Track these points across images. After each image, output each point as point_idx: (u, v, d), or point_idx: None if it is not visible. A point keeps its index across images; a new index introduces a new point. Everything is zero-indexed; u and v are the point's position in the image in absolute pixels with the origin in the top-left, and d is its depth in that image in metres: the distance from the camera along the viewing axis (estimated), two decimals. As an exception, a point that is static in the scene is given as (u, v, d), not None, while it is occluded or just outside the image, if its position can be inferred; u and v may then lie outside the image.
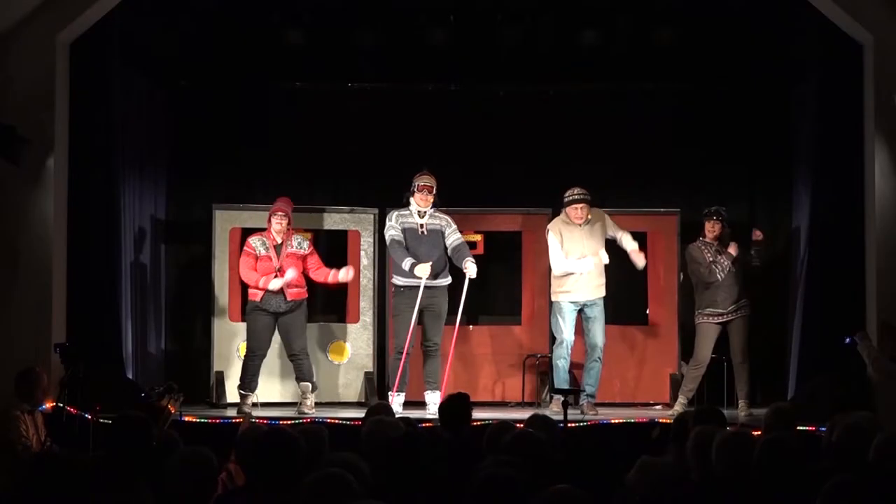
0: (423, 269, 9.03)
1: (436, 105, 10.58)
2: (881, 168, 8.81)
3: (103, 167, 9.12)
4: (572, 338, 9.31)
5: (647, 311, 10.34)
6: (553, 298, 9.42)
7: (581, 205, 9.25)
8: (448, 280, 9.26)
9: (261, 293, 9.16)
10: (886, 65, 8.77)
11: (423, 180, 9.19)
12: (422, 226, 9.24)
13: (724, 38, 9.83)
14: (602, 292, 9.35)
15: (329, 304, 10.40)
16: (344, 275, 9.39)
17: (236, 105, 10.51)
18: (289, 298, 9.16)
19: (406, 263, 9.08)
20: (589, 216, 9.30)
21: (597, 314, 9.31)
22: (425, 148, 10.23)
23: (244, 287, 9.64)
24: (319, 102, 10.54)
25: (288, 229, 9.24)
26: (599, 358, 9.30)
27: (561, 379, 9.22)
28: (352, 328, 10.16)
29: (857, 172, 9.04)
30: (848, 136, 9.12)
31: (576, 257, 9.25)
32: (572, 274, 9.25)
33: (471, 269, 9.09)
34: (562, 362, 9.28)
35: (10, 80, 8.62)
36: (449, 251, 9.23)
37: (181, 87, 10.47)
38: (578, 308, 9.33)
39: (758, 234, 9.40)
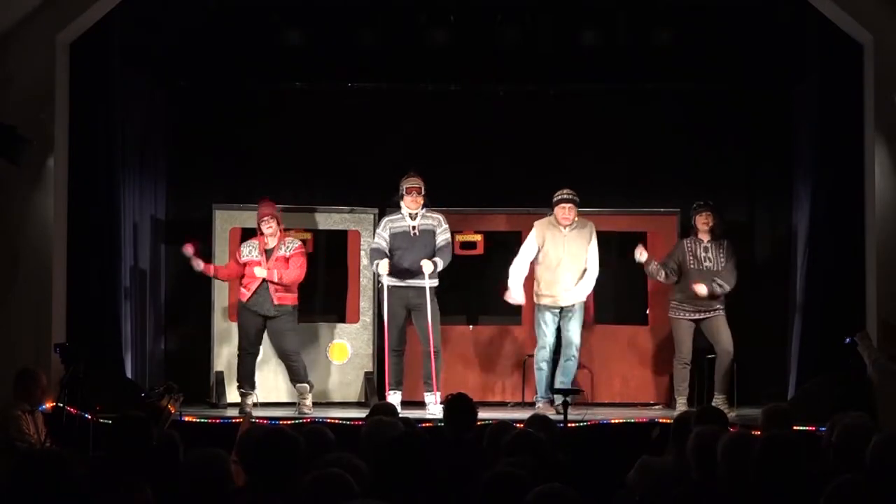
0: (383, 266, 9.12)
1: (436, 105, 10.58)
2: (881, 168, 8.81)
3: (103, 167, 9.13)
4: (553, 342, 9.37)
5: (647, 311, 10.33)
6: (535, 301, 9.45)
7: (568, 205, 9.28)
8: (436, 282, 9.26)
9: (248, 293, 9.19)
10: (886, 65, 8.77)
11: (410, 182, 9.24)
12: (413, 227, 9.26)
13: (724, 38, 9.83)
14: (581, 299, 9.39)
15: (329, 304, 10.40)
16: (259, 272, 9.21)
17: (236, 105, 10.51)
18: (276, 302, 9.16)
19: (374, 265, 9.25)
20: (576, 219, 9.32)
21: (574, 312, 9.36)
22: (425, 148, 10.25)
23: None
24: (319, 102, 10.54)
25: (280, 231, 9.24)
26: (574, 356, 9.35)
27: (544, 385, 9.25)
28: (352, 328, 10.16)
29: (857, 172, 9.04)
30: (848, 135, 9.12)
31: (553, 264, 9.27)
32: (549, 278, 9.30)
33: (425, 265, 9.08)
34: (545, 365, 9.34)
35: (10, 80, 8.62)
36: (435, 251, 9.25)
37: (181, 87, 10.47)
38: (559, 311, 9.38)
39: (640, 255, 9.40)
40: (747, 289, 9.72)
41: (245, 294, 9.22)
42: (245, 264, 9.24)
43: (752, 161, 10.51)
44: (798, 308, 9.60)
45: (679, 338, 9.39)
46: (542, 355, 9.37)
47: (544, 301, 9.39)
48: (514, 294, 9.40)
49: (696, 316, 9.34)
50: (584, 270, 9.38)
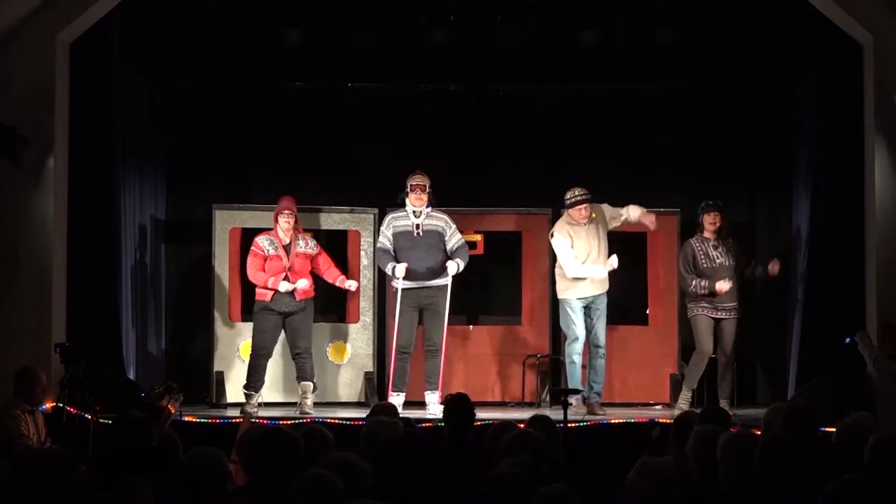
0: (400, 269, 9.09)
1: (436, 105, 10.57)
2: (881, 168, 8.81)
3: (103, 167, 9.13)
4: (584, 333, 9.31)
5: (647, 311, 10.33)
6: (560, 296, 9.40)
7: (584, 205, 9.26)
8: (447, 280, 9.26)
9: (270, 293, 9.15)
10: (886, 65, 8.77)
11: (416, 179, 9.22)
12: (417, 226, 9.25)
13: (724, 38, 9.83)
14: (606, 287, 9.38)
15: (329, 304, 10.40)
16: (349, 284, 9.42)
17: (236, 105, 10.51)
18: (298, 299, 9.17)
19: (388, 268, 9.22)
20: (593, 214, 9.32)
21: (601, 310, 9.34)
22: (425, 148, 10.24)
23: (245, 287, 9.64)
24: (319, 102, 10.54)
25: (296, 228, 9.25)
26: (604, 355, 9.34)
27: (576, 378, 9.20)
28: (352, 328, 10.16)
29: (857, 172, 9.04)
30: (848, 135, 9.12)
31: (583, 259, 9.25)
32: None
33: (450, 266, 9.12)
34: (577, 358, 9.27)
35: (10, 80, 8.62)
36: (450, 254, 9.24)
37: (181, 87, 10.47)
38: (586, 304, 9.33)
39: (774, 269, 9.39)
40: (747, 288, 9.72)
41: (267, 294, 9.18)
42: (268, 258, 9.22)
43: (752, 161, 10.51)
44: (798, 308, 9.60)
45: (699, 333, 9.35)
46: (576, 348, 9.25)
47: (570, 294, 9.30)
48: (594, 271, 9.24)
49: (718, 315, 9.34)
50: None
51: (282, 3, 9.71)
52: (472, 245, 10.05)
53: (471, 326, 10.40)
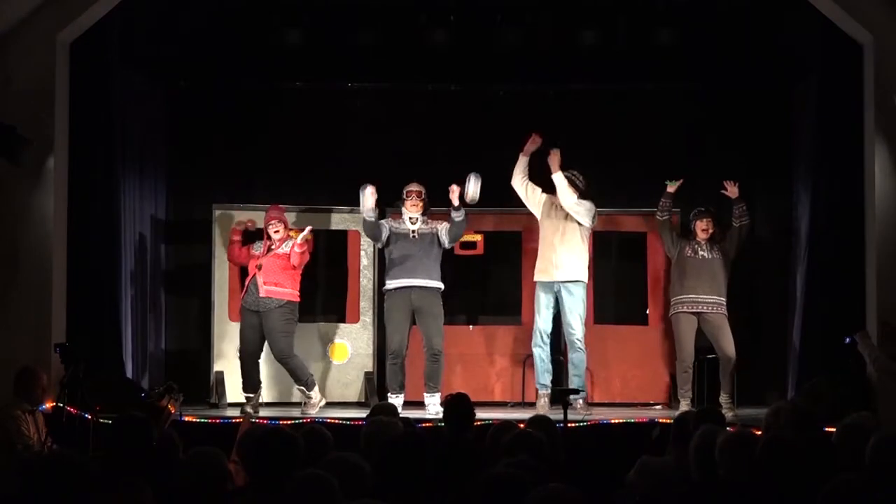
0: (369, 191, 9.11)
1: (436, 105, 10.57)
2: (881, 168, 8.81)
3: (103, 167, 9.13)
4: (547, 327, 9.31)
5: (647, 312, 10.33)
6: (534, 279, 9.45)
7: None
8: (440, 284, 9.26)
9: (244, 293, 9.21)
10: (886, 65, 8.77)
11: (411, 186, 9.27)
12: (413, 232, 9.26)
13: (724, 38, 9.83)
14: (581, 276, 9.31)
15: (329, 304, 10.40)
16: (302, 236, 9.18)
17: (236, 105, 10.50)
18: (261, 294, 9.09)
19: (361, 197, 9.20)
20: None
21: (574, 299, 9.23)
22: (425, 148, 10.25)
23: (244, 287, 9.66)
24: (319, 102, 10.54)
25: (286, 234, 9.23)
26: (579, 347, 9.23)
27: (541, 371, 9.21)
28: (352, 328, 10.16)
29: (857, 172, 9.04)
30: (848, 135, 9.12)
31: (550, 234, 9.28)
32: (545, 251, 9.28)
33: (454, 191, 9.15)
34: (538, 350, 9.28)
35: (10, 80, 8.63)
36: (448, 236, 9.23)
37: (181, 87, 10.47)
38: (555, 291, 9.30)
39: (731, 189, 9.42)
40: (747, 288, 9.72)
41: (244, 295, 9.22)
42: (251, 257, 9.25)
43: (752, 161, 10.50)
44: (798, 308, 9.60)
45: (680, 337, 9.34)
46: (535, 340, 9.31)
47: (539, 277, 9.34)
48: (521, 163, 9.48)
49: (696, 309, 9.31)
50: (579, 246, 9.32)
51: (282, 3, 9.71)
52: (472, 245, 10.06)
53: (471, 326, 10.40)
